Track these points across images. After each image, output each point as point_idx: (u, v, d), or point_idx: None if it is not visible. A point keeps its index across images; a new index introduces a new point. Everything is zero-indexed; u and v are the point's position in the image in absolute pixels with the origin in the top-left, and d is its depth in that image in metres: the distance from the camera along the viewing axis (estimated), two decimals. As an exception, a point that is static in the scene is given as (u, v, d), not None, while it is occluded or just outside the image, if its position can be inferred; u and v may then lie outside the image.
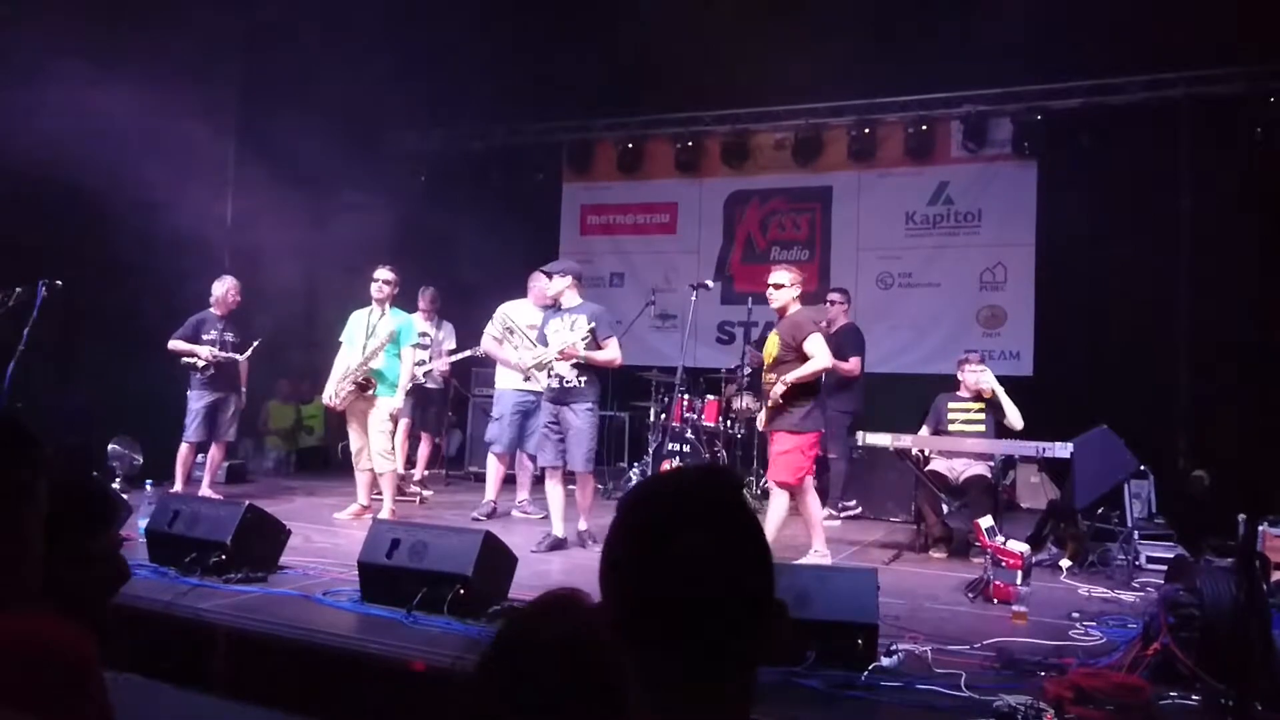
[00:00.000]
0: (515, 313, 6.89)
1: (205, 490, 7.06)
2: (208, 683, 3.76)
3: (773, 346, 5.65)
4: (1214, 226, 7.78)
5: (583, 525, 6.04)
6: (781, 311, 5.66)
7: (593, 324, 5.82)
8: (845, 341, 7.29)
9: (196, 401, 7.12)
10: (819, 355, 5.42)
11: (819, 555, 5.42)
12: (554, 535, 5.83)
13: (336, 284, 7.95)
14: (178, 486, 6.94)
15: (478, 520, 6.65)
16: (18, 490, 1.60)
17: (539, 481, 6.54)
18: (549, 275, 6.09)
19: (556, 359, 5.81)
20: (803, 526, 5.67)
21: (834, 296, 7.87)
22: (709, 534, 1.11)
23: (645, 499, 1.20)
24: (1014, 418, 6.29)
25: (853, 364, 7.38)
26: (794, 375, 5.40)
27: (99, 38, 6.76)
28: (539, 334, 6.14)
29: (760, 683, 3.41)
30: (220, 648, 3.88)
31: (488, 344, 7.11)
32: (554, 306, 6.10)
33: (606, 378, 6.12)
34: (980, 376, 6.48)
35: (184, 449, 7.12)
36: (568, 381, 5.84)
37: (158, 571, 4.56)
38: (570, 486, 6.05)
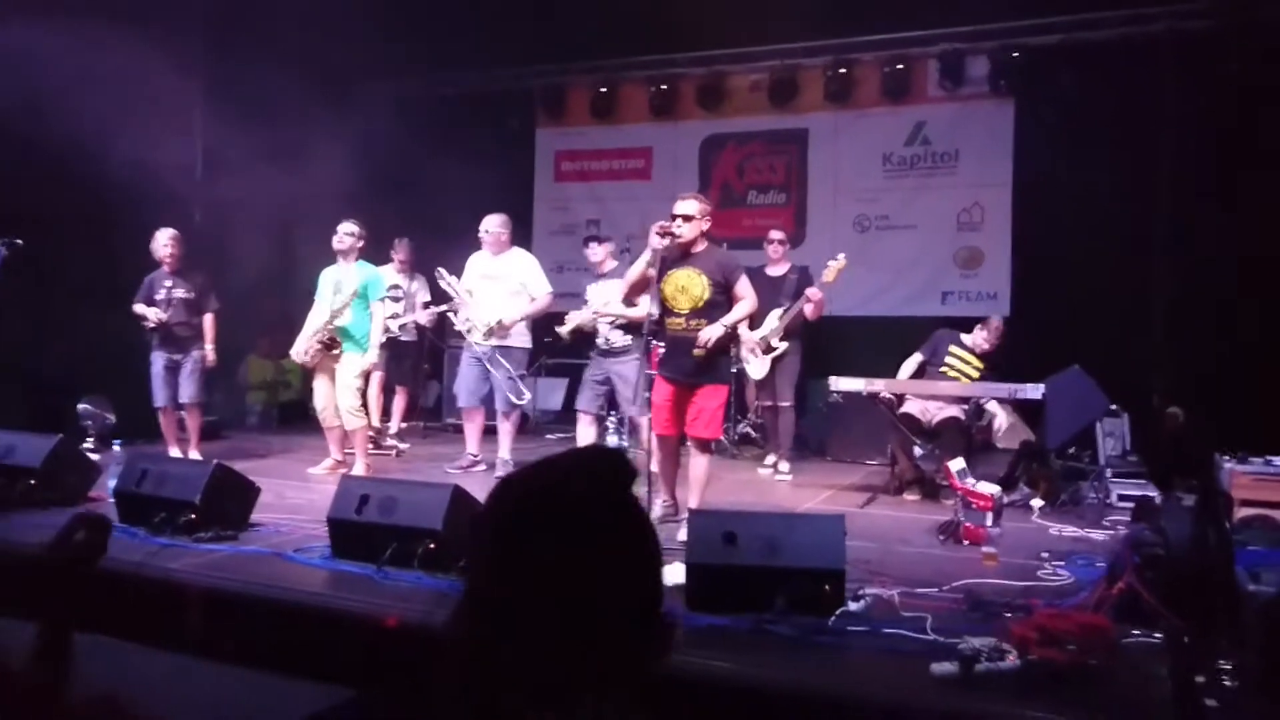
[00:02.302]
0: (470, 267, 6.96)
1: (193, 453, 6.90)
2: (180, 642, 3.75)
3: (695, 286, 4.97)
4: (1193, 164, 7.73)
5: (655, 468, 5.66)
6: (687, 246, 5.01)
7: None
8: (805, 282, 7.13)
9: (154, 365, 6.86)
10: (750, 298, 5.06)
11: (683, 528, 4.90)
12: None
13: (309, 235, 7.81)
14: (172, 452, 6.85)
15: (450, 473, 6.65)
16: None
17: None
18: (598, 241, 6.92)
19: (593, 318, 6.39)
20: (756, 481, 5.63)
21: (779, 236, 7.51)
22: (581, 540, 1.04)
23: (516, 493, 1.11)
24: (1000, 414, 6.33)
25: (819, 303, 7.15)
26: (732, 319, 4.97)
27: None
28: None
29: (729, 630, 3.41)
30: (191, 607, 3.88)
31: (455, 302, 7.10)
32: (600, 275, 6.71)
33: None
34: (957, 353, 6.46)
35: (162, 416, 6.96)
36: (615, 343, 6.41)
37: (127, 532, 4.53)
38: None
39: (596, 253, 6.86)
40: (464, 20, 9.07)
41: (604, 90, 10.09)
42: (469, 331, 6.84)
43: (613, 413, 7.56)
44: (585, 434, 6.50)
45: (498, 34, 9.38)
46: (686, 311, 5.00)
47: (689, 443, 5.11)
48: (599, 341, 6.52)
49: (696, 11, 8.44)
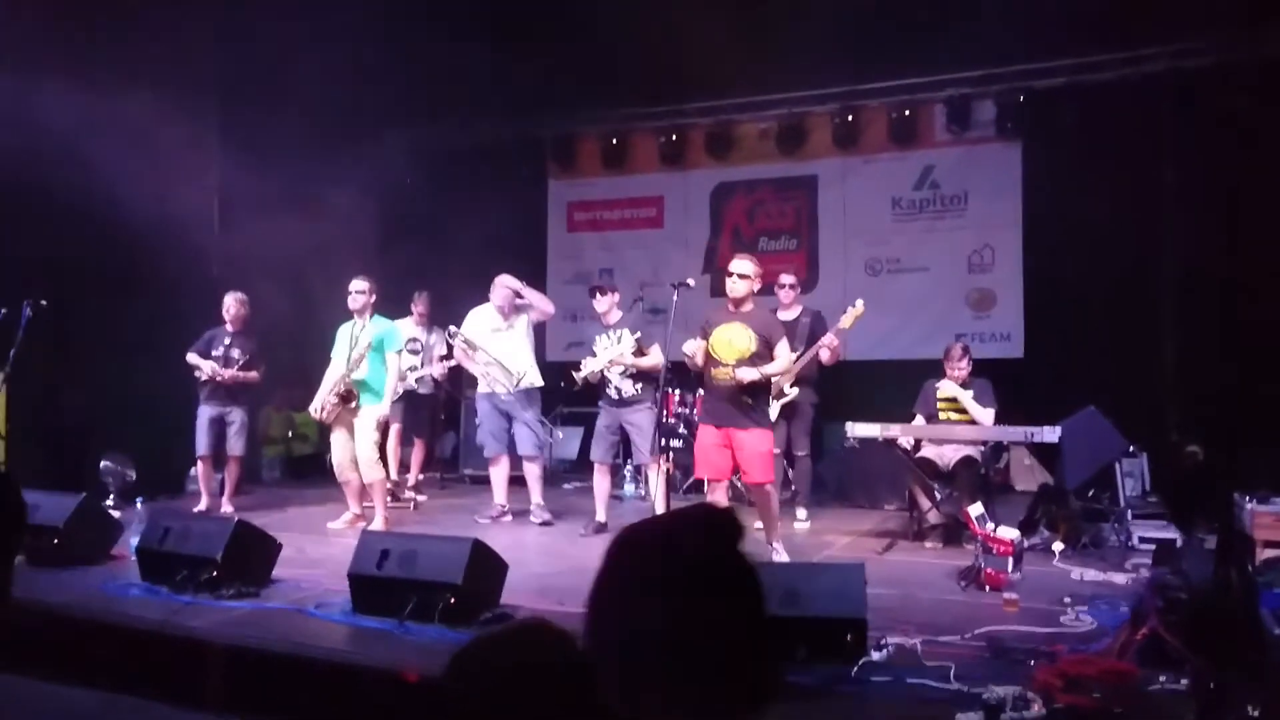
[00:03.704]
0: (474, 321, 7.12)
1: (226, 506, 7.11)
2: (202, 701, 3.76)
3: (741, 339, 5.40)
4: (1200, 201, 7.77)
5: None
6: (740, 302, 5.49)
7: (637, 334, 6.34)
8: (819, 328, 7.17)
9: (200, 416, 7.20)
10: (787, 359, 5.61)
11: (780, 554, 5.45)
12: (598, 521, 6.47)
13: (325, 288, 7.91)
14: (203, 504, 7.06)
15: (480, 523, 6.77)
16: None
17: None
18: (601, 292, 6.81)
19: (607, 368, 6.44)
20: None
21: (789, 280, 7.47)
22: (697, 590, 1.12)
23: (635, 544, 1.19)
24: (982, 418, 6.26)
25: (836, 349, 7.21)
26: (768, 369, 5.38)
27: (73, 50, 6.72)
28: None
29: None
30: (213, 665, 3.89)
31: (458, 356, 7.30)
32: (603, 325, 6.72)
33: (656, 380, 6.46)
34: (946, 386, 6.44)
35: (199, 465, 7.29)
36: (625, 393, 6.52)
37: (150, 590, 4.57)
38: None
39: (601, 303, 6.79)
40: (476, 72, 9.21)
41: (614, 141, 10.22)
42: (491, 384, 6.96)
43: (628, 461, 7.61)
44: (601, 483, 6.58)
45: (509, 86, 9.52)
46: (732, 362, 5.35)
47: (745, 488, 5.65)
48: (609, 391, 6.57)
49: (704, 61, 8.57)
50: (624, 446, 6.76)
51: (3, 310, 6.27)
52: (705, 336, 5.51)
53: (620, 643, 1.13)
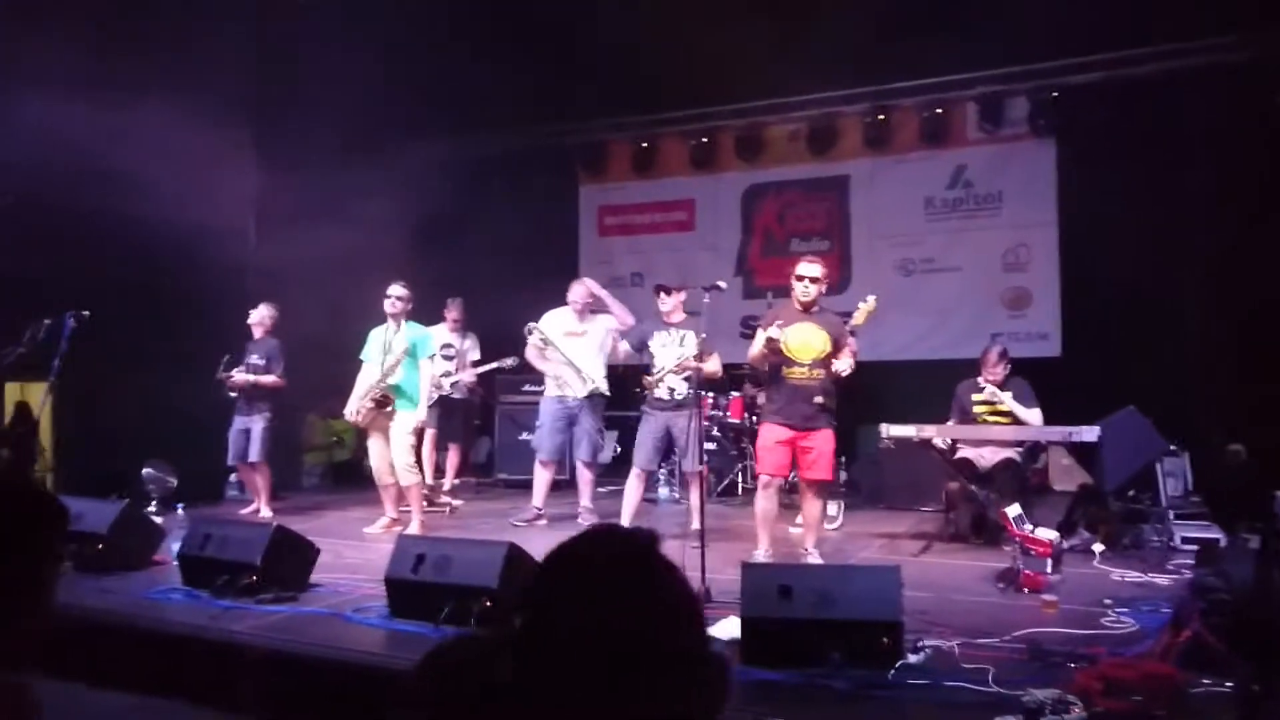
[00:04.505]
0: (551, 323, 7.13)
1: (265, 511, 7.30)
2: (241, 704, 3.81)
3: (817, 340, 5.46)
4: (1239, 195, 7.63)
5: (695, 524, 6.09)
6: (810, 305, 5.53)
7: (703, 335, 6.10)
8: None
9: (231, 426, 7.46)
10: (852, 356, 5.53)
11: (814, 556, 5.46)
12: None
13: (359, 297, 7.99)
14: (252, 507, 7.43)
15: (516, 525, 6.82)
16: (46, 558, 1.66)
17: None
18: (667, 292, 6.59)
19: (673, 371, 6.34)
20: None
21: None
22: (622, 597, 1.12)
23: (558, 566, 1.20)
24: (1030, 418, 6.19)
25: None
26: (848, 364, 5.40)
27: (110, 67, 6.85)
28: (628, 343, 6.75)
29: (785, 685, 3.39)
30: (252, 669, 3.94)
31: (530, 355, 7.29)
32: (667, 324, 6.57)
33: (716, 386, 6.68)
34: (989, 391, 6.36)
35: (240, 472, 7.69)
36: (678, 394, 6.39)
37: (191, 595, 4.64)
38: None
39: (666, 303, 6.59)
40: (506, 81, 9.27)
41: (644, 145, 10.25)
42: (561, 387, 7.02)
43: (663, 465, 7.60)
44: (636, 491, 6.46)
45: (539, 93, 9.58)
46: (809, 362, 5.44)
47: (803, 485, 5.63)
48: (660, 394, 6.42)
49: (734, 64, 8.57)
50: (665, 453, 6.65)
51: (47, 322, 6.38)
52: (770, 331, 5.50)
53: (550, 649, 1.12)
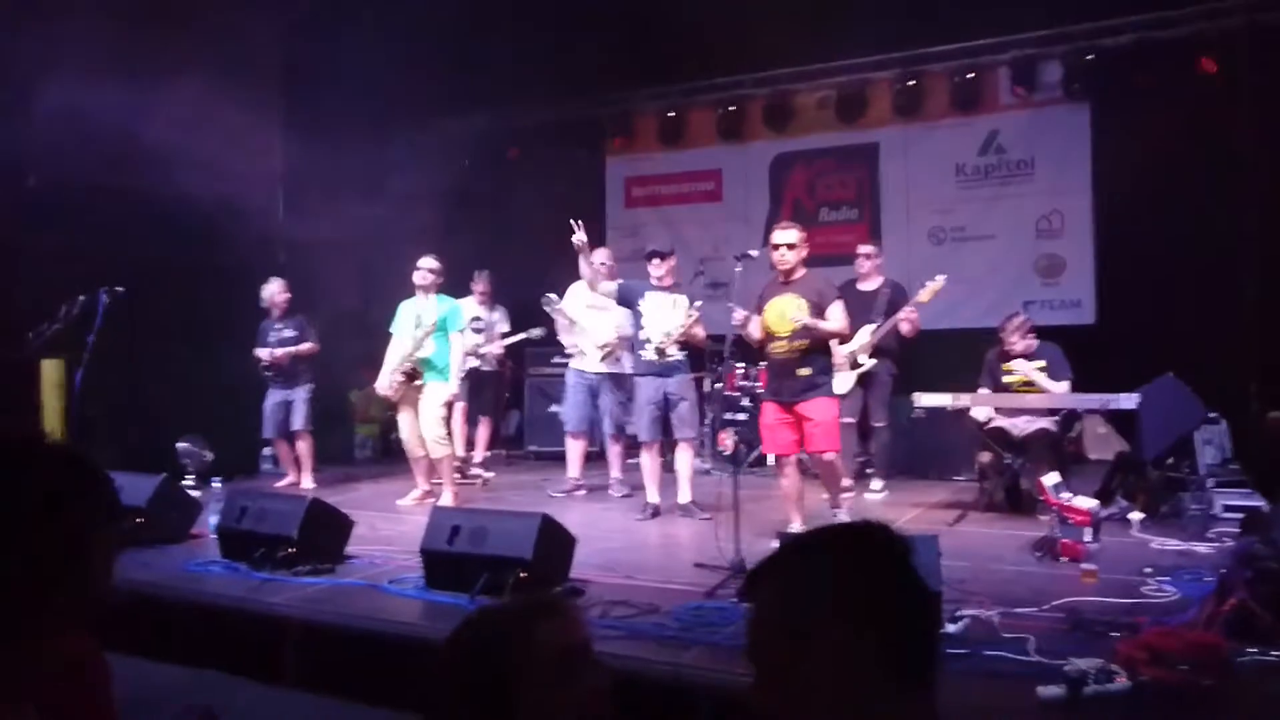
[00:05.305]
0: (571, 298, 7.21)
1: (307, 482, 7.48)
2: (280, 675, 3.85)
3: (792, 309, 5.29)
4: (1278, 159, 7.46)
5: (684, 497, 6.17)
6: (790, 272, 5.38)
7: (698, 303, 6.18)
8: (899, 298, 7.11)
9: (267, 401, 7.59)
10: (840, 321, 5.39)
11: (844, 514, 5.47)
12: (650, 504, 6.23)
13: (389, 271, 8.01)
14: (287, 480, 7.57)
15: (554, 496, 6.92)
16: (89, 521, 1.66)
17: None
18: (662, 257, 6.37)
19: (665, 341, 6.16)
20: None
21: (868, 250, 7.48)
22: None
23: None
24: (1057, 389, 6.10)
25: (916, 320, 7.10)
26: (820, 325, 5.24)
27: (139, 45, 6.85)
28: (615, 304, 6.60)
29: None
30: (291, 640, 3.98)
31: (558, 329, 7.42)
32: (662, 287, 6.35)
33: (698, 354, 6.63)
34: (1017, 366, 6.24)
35: (276, 446, 7.80)
36: (668, 356, 6.21)
37: (229, 567, 4.69)
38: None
39: (659, 269, 6.37)
40: (531, 53, 9.21)
41: (671, 115, 10.15)
42: (581, 360, 7.01)
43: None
44: (652, 463, 6.32)
45: (564, 65, 9.50)
46: (788, 335, 5.27)
47: (810, 457, 5.52)
48: (650, 357, 6.23)
49: (761, 32, 8.46)
50: (666, 422, 6.40)
51: (81, 298, 6.44)
52: (760, 313, 5.45)
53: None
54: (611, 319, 6.99)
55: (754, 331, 5.45)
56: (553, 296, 7.18)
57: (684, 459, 6.31)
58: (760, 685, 1.22)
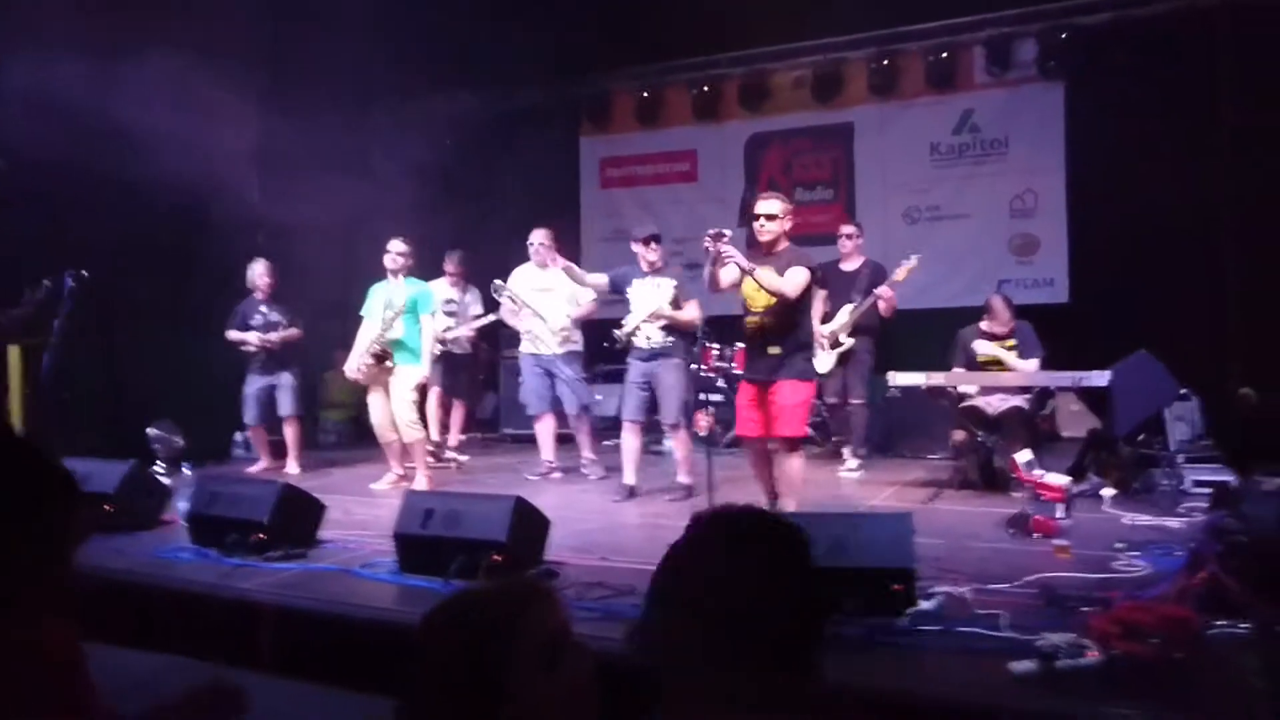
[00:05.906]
0: (518, 281, 7.13)
1: (292, 468, 7.35)
2: (253, 660, 3.81)
3: (749, 286, 5.06)
4: (1256, 140, 7.49)
5: (683, 478, 6.12)
6: (771, 245, 5.09)
7: (675, 283, 6.12)
8: (878, 278, 7.15)
9: (248, 386, 7.40)
10: (792, 282, 4.95)
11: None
12: (626, 484, 6.19)
13: (366, 253, 7.93)
14: (262, 463, 7.42)
15: (530, 479, 6.87)
16: (65, 527, 1.66)
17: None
18: (648, 242, 6.30)
19: (645, 322, 6.10)
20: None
21: (849, 230, 7.55)
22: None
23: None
24: (1026, 368, 6.12)
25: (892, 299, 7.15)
26: (760, 272, 4.88)
27: (114, 26, 6.72)
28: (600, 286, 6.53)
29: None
30: (264, 626, 3.94)
31: (504, 313, 7.32)
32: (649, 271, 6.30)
33: (691, 336, 6.34)
34: (982, 347, 6.25)
35: (252, 433, 7.55)
36: (655, 341, 6.15)
37: (200, 553, 4.64)
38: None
39: (652, 253, 6.34)
40: (506, 33, 9.11)
41: (646, 95, 10.08)
42: (534, 343, 6.95)
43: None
44: (631, 444, 6.25)
45: (538, 46, 9.40)
46: (761, 310, 5.07)
47: (774, 444, 5.12)
48: (639, 342, 6.23)
49: (736, 11, 8.41)
50: (653, 404, 6.39)
51: (46, 283, 6.34)
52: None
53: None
54: (560, 300, 6.97)
55: (724, 279, 5.12)
56: (500, 283, 7.10)
57: (671, 444, 6.34)
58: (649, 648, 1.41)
